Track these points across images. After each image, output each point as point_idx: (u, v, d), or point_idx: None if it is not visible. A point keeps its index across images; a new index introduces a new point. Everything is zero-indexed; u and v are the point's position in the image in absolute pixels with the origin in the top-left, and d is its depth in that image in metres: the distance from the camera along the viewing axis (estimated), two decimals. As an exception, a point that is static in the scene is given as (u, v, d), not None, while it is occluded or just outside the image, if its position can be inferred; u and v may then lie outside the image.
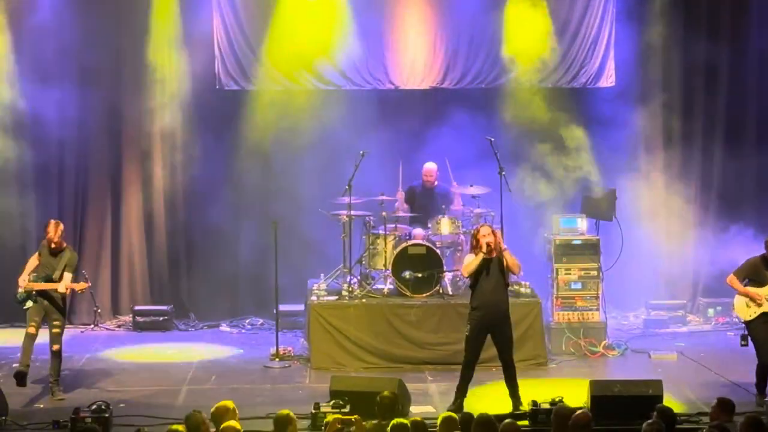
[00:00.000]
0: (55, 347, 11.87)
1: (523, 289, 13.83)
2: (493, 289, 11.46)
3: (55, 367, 11.94)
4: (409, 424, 8.53)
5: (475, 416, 8.73)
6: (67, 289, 11.90)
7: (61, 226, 12.03)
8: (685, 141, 16.02)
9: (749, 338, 11.80)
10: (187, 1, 15.56)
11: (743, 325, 11.97)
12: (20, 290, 11.90)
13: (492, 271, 11.45)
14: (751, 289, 11.65)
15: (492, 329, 11.52)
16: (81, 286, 12.12)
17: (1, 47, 15.27)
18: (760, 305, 11.56)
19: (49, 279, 11.85)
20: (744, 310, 11.71)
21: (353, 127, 15.35)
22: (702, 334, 15.08)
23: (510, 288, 13.70)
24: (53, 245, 11.94)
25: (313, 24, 15.52)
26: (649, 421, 8.37)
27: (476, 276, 11.48)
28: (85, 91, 15.33)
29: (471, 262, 11.49)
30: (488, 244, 11.36)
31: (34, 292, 11.81)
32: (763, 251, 11.69)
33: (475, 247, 11.53)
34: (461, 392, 11.45)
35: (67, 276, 11.89)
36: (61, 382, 12.10)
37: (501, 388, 11.69)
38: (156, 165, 15.86)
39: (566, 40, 15.79)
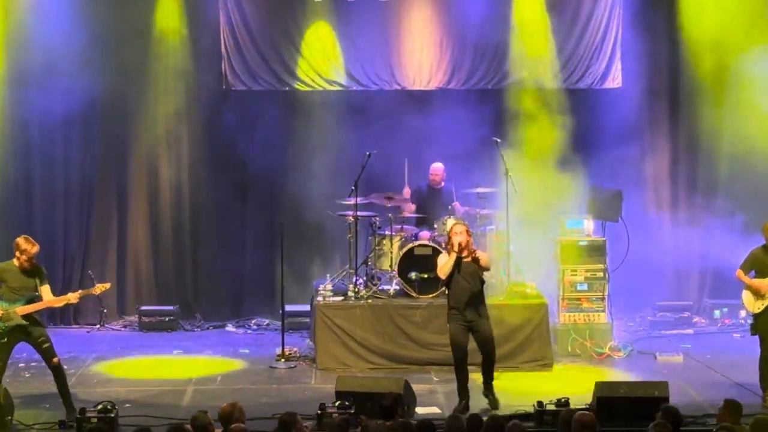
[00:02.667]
0: (55, 360, 11.12)
1: (529, 291, 13.84)
2: (468, 288, 11.53)
3: (63, 384, 11.20)
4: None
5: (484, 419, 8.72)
6: (78, 298, 11.29)
7: (36, 247, 11.00)
8: (692, 142, 16.00)
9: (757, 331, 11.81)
10: (194, 1, 15.56)
11: (753, 316, 11.92)
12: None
13: (466, 270, 11.54)
14: (756, 281, 11.69)
15: (471, 327, 11.59)
16: (100, 289, 11.39)
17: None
18: (763, 296, 11.57)
19: (32, 300, 11.02)
20: (752, 303, 11.75)
21: (359, 128, 15.37)
22: (708, 335, 15.05)
23: (516, 289, 13.79)
24: (28, 264, 10.97)
25: (319, 25, 15.54)
26: (655, 422, 8.35)
27: (451, 275, 11.56)
28: (89, 91, 15.30)
29: (446, 263, 11.57)
30: (459, 243, 11.43)
31: (23, 321, 10.96)
32: (764, 242, 11.76)
33: (450, 245, 11.65)
34: (464, 392, 11.48)
35: (46, 288, 11.11)
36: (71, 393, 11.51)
37: (506, 389, 11.69)
38: (162, 165, 15.87)
39: (572, 41, 15.79)
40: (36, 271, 11.13)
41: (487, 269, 11.76)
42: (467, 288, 11.50)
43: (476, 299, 11.55)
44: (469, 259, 11.51)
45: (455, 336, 11.53)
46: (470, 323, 11.53)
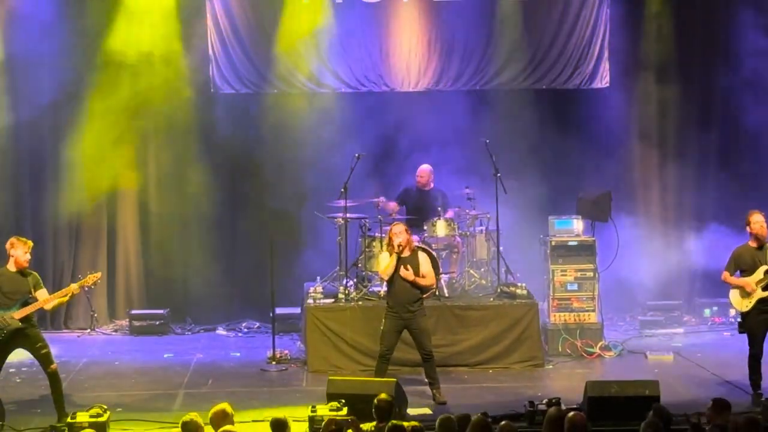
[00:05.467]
0: (52, 367, 11.06)
1: (519, 291, 13.86)
2: (405, 289, 11.86)
3: (58, 391, 11.11)
4: (406, 427, 8.52)
5: (472, 418, 8.72)
6: (78, 289, 11.10)
7: (30, 243, 11.08)
8: (680, 141, 16.03)
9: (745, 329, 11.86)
10: (183, 4, 15.53)
11: (741, 314, 11.94)
12: None
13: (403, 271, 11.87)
14: (741, 280, 11.74)
15: (407, 326, 11.95)
16: (92, 279, 11.24)
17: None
18: (750, 294, 11.62)
19: (26, 303, 10.93)
20: (740, 302, 11.79)
21: (348, 130, 15.38)
22: (698, 334, 15.08)
23: (506, 289, 13.79)
24: (23, 266, 10.99)
25: (307, 27, 15.54)
26: (647, 421, 8.37)
27: (392, 275, 11.90)
28: (77, 92, 15.26)
29: (388, 265, 11.90)
30: (399, 244, 11.78)
31: (20, 325, 10.87)
32: (747, 240, 11.81)
33: (389, 245, 11.95)
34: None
35: (43, 293, 11.04)
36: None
37: (497, 389, 11.68)
38: (152, 168, 15.85)
39: (561, 42, 15.81)
40: (30, 275, 11.08)
41: (430, 288, 12.18)
42: (404, 290, 11.85)
43: (411, 301, 11.89)
44: (407, 254, 11.82)
45: (386, 334, 11.91)
46: (405, 321, 11.89)
